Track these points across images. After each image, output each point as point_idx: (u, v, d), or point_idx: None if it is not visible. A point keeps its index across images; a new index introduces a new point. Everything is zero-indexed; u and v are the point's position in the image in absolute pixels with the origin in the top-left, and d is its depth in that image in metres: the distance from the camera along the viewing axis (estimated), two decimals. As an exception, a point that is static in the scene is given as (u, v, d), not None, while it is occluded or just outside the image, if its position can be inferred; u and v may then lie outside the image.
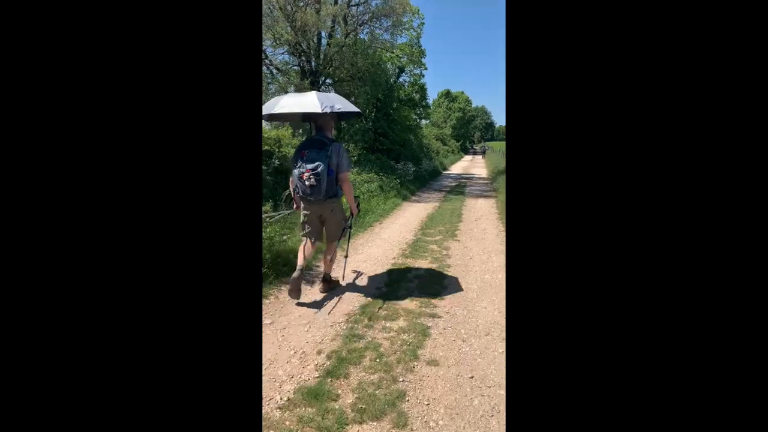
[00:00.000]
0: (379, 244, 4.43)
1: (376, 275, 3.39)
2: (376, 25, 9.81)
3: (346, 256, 3.19)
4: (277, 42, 8.41)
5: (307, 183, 2.55)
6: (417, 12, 11.87)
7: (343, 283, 3.11)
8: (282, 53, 8.93)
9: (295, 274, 2.65)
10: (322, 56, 9.36)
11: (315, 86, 9.69)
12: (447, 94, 45.83)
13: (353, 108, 2.81)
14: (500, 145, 43.79)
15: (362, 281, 3.24)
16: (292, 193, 2.79)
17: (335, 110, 2.53)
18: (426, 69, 13.63)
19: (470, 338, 2.31)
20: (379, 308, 2.67)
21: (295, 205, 2.85)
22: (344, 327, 2.41)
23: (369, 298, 2.86)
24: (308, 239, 2.80)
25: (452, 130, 39.77)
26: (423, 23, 12.11)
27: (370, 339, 2.27)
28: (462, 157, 31.03)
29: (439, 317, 2.57)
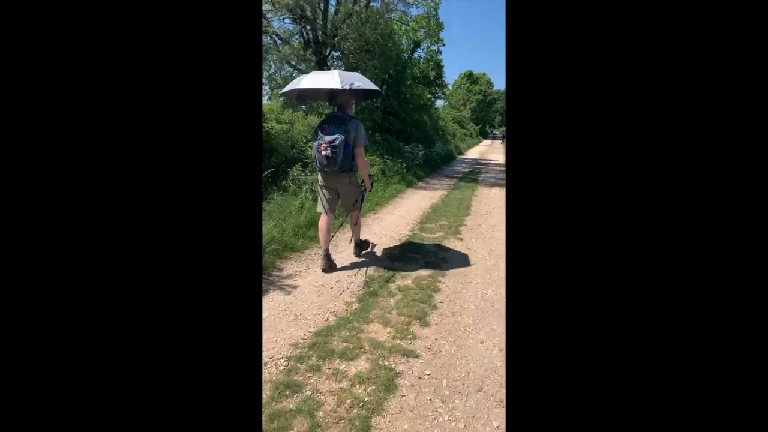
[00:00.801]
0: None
1: (350, 282, 2.73)
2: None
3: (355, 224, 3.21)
4: (277, 5, 7.59)
5: (323, 153, 2.65)
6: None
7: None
8: (283, 18, 8.08)
9: (323, 255, 2.86)
10: (329, 25, 8.50)
11: (319, 58, 8.89)
12: (469, 76, 43.99)
13: (373, 86, 2.86)
14: (521, 130, 41.94)
15: (328, 287, 2.59)
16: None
17: (354, 87, 2.62)
18: (444, 45, 12.59)
19: (453, 397, 1.63)
20: (337, 340, 2.00)
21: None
22: (281, 368, 1.76)
23: (328, 321, 2.20)
24: (325, 214, 2.90)
25: (471, 113, 38.31)
26: (442, -8, 11.03)
27: (306, 396, 1.61)
28: (480, 142, 29.79)
29: (416, 356, 1.89)
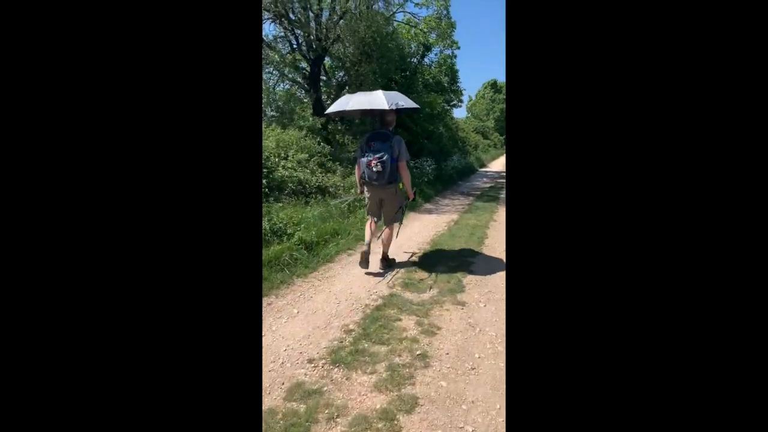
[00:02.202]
0: (313, 310, 2.47)
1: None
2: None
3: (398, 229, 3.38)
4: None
5: (374, 169, 2.88)
6: (444, -27, 9.64)
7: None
8: (266, 20, 7.09)
9: (364, 248, 3.03)
10: (322, 27, 7.45)
11: (311, 65, 7.86)
12: (493, 85, 42.50)
13: (413, 104, 3.18)
14: (550, 139, 39.80)
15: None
16: (357, 179, 3.15)
17: (399, 107, 2.92)
18: (458, 47, 11.37)
19: None
20: None
21: (359, 190, 3.23)
22: None
23: None
24: (371, 218, 3.17)
25: (496, 122, 36.71)
26: (453, -13, 9.86)
27: None
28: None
29: None
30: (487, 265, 3.33)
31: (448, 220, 5.18)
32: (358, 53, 7.51)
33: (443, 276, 3.04)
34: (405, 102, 3.00)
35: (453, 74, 11.20)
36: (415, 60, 10.66)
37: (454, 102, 12.38)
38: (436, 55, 11.27)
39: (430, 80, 10.93)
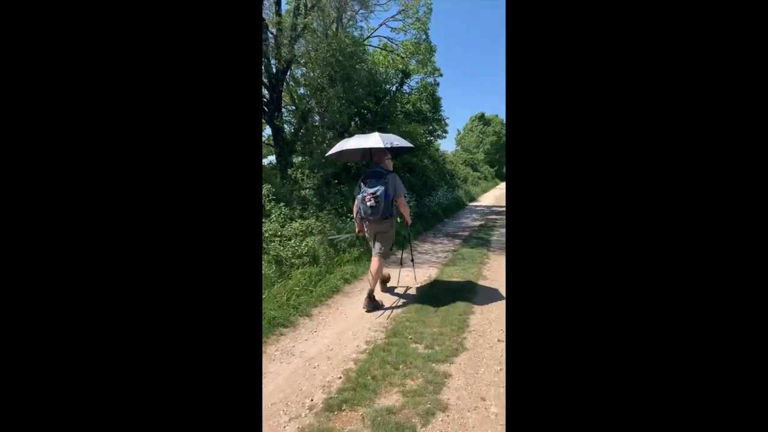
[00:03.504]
0: None
1: None
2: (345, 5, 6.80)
3: (412, 260, 3.84)
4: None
5: (368, 204, 2.91)
6: (421, -5, 8.91)
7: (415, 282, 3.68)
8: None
9: (386, 278, 3.40)
10: (280, 48, 6.45)
11: (270, 91, 6.81)
12: (481, 117, 42.62)
13: (407, 144, 3.29)
14: (541, 170, 39.44)
15: None
16: (355, 218, 3.21)
17: (394, 146, 3.04)
18: (441, 75, 10.52)
19: None
20: None
21: (357, 229, 3.25)
22: None
23: None
24: (374, 257, 3.07)
25: (486, 155, 36.30)
26: (431, 9, 9.11)
27: None
28: (497, 184, 27.20)
29: None
30: (474, 381, 2.00)
31: (421, 280, 3.88)
32: (324, 76, 6.49)
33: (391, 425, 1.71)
34: (399, 142, 3.14)
35: (435, 102, 10.27)
36: (394, 87, 9.74)
37: (438, 132, 11.41)
38: (417, 82, 10.40)
39: (410, 109, 9.97)
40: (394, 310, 3.01)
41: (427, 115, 10.13)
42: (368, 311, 2.94)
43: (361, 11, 7.38)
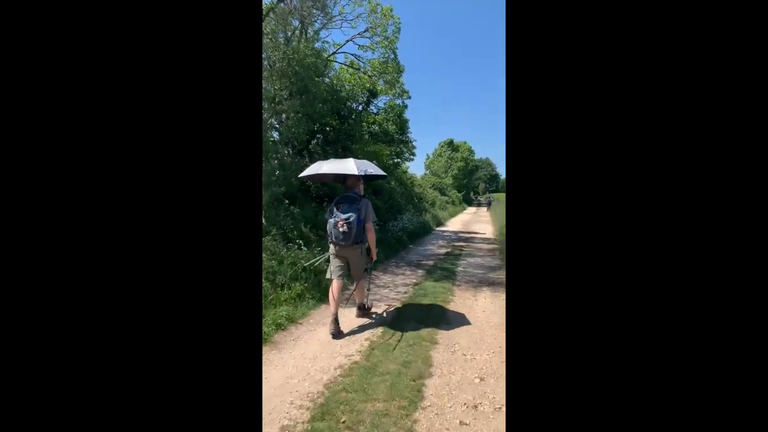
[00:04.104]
0: None
1: None
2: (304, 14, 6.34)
3: (366, 308, 3.48)
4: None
5: (341, 230, 2.97)
6: (389, 14, 8.65)
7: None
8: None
9: (332, 319, 2.96)
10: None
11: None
12: (450, 144, 43.40)
13: (381, 172, 3.32)
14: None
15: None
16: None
17: (368, 173, 3.10)
18: (409, 97, 10.24)
19: None
20: None
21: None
22: None
23: None
24: (337, 279, 3.07)
25: (454, 180, 36.69)
26: (399, 28, 8.85)
27: None
28: (465, 209, 27.26)
29: None
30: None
31: (373, 327, 3.24)
32: (283, 88, 5.91)
33: None
34: (374, 170, 3.20)
35: (402, 124, 9.92)
36: (360, 107, 9.32)
37: (406, 155, 11.04)
38: (384, 103, 10.03)
39: (377, 129, 9.55)
40: (331, 372, 2.35)
41: (393, 137, 9.72)
42: (334, 337, 2.92)
43: (323, 21, 6.92)
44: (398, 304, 3.81)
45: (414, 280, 4.95)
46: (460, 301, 4.03)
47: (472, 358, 2.57)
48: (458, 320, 3.38)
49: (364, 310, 3.43)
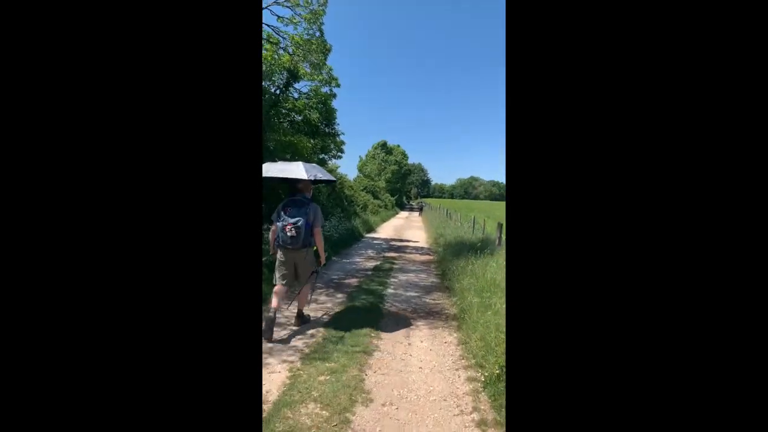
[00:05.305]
0: None
1: None
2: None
3: (311, 296, 3.58)
4: None
5: (288, 234, 2.94)
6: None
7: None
8: None
9: (269, 315, 2.90)
10: None
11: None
12: (383, 146, 42.89)
13: (331, 177, 3.43)
14: (438, 202, 41.00)
15: None
16: (271, 242, 3.17)
17: (318, 178, 3.12)
18: (338, 85, 8.96)
19: None
20: None
21: (271, 251, 3.23)
22: None
23: None
24: (281, 285, 3.10)
25: (387, 183, 36.16)
26: (326, 1, 7.54)
27: None
28: (397, 214, 26.64)
29: None
30: None
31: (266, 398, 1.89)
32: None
33: None
34: (323, 175, 3.22)
35: (329, 114, 8.60)
36: (278, 90, 7.82)
37: (333, 151, 9.73)
38: (308, 89, 8.62)
39: (297, 118, 8.11)
40: None
41: (318, 128, 8.35)
42: (267, 340, 2.83)
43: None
44: (288, 372, 2.51)
45: (327, 311, 3.68)
46: (387, 349, 2.84)
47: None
48: (382, 396, 2.19)
49: (302, 318, 3.31)
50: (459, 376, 2.46)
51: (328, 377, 2.33)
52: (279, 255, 3.10)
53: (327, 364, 2.50)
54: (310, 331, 3.12)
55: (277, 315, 3.02)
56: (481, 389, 2.29)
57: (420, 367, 2.57)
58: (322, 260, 3.22)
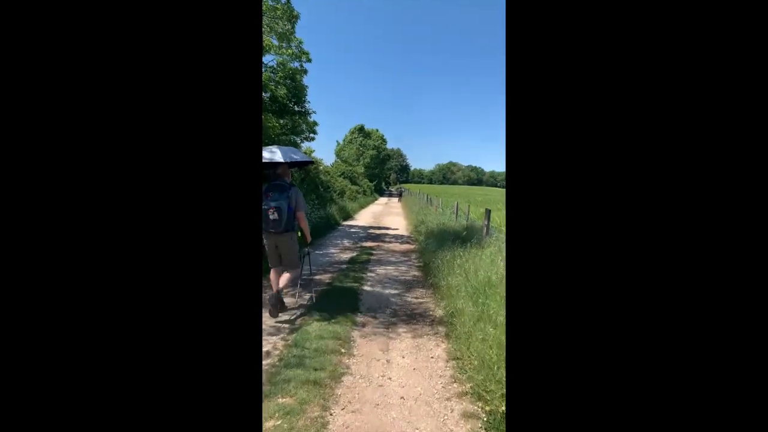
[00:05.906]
0: None
1: None
2: None
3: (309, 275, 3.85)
4: None
5: (271, 217, 2.97)
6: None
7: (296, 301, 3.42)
8: None
9: (273, 294, 3.08)
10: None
11: None
12: (361, 130, 41.77)
13: (307, 158, 3.59)
14: (418, 188, 40.51)
15: None
16: None
17: (294, 160, 3.21)
18: (309, 60, 8.12)
19: None
20: None
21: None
22: None
23: None
24: (274, 268, 3.17)
25: (366, 168, 35.28)
26: (292, -40, 6.67)
27: None
28: (376, 200, 26.01)
29: None
30: None
31: None
32: None
33: None
34: (299, 156, 3.37)
35: (299, 92, 7.78)
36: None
37: (305, 132, 8.93)
38: (275, 63, 7.76)
39: (263, 95, 7.29)
40: None
41: (286, 105, 7.55)
42: (272, 316, 3.01)
43: None
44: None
45: (291, 317, 3.07)
46: (360, 371, 2.26)
47: None
48: (360, 428, 1.61)
49: (282, 305, 3.20)
50: (452, 411, 1.91)
51: (278, 422, 1.73)
52: (264, 239, 3.11)
53: (280, 400, 1.91)
54: (265, 349, 2.51)
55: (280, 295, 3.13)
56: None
57: (402, 397, 2.01)
58: (308, 238, 3.31)
